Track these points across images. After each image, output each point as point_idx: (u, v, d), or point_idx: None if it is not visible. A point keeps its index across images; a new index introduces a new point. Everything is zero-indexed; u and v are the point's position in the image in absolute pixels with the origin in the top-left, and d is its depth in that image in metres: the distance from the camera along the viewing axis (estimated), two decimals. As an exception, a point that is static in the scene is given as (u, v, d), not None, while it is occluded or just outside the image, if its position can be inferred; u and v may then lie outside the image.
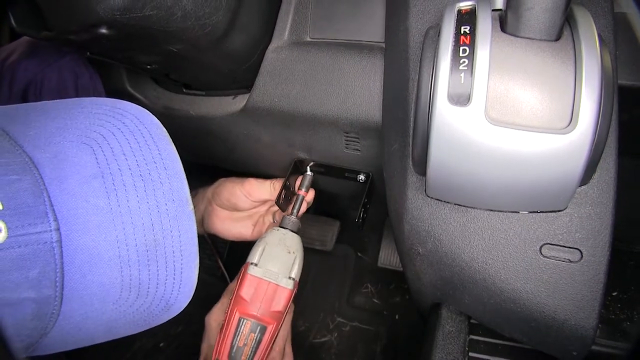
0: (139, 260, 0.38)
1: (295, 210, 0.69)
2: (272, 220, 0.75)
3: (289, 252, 0.65)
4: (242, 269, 0.65)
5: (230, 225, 0.74)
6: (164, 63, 0.64)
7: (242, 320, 0.61)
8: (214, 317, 0.65)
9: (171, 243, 0.39)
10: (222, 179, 0.74)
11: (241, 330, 0.61)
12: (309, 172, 0.72)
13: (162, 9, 0.48)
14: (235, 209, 0.73)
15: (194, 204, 0.74)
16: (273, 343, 0.62)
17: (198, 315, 0.62)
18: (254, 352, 0.61)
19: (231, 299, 0.63)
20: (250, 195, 0.71)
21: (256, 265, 0.63)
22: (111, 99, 0.43)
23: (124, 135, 0.39)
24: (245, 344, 0.61)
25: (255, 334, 0.61)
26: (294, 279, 0.64)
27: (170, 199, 0.39)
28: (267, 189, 0.71)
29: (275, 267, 0.64)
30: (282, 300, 0.62)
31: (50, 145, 0.37)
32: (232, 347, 0.61)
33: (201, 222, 0.75)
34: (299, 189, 0.71)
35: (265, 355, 0.61)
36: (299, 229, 0.69)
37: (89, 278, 0.36)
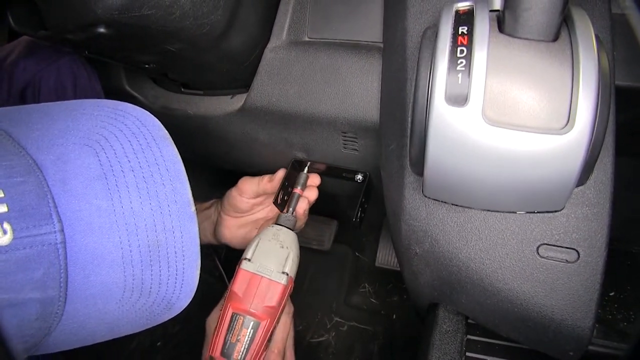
0: (142, 260, 0.38)
1: (291, 208, 0.69)
2: None
3: (282, 247, 0.64)
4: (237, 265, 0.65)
5: (237, 232, 0.74)
6: (162, 62, 0.64)
7: (235, 315, 0.60)
8: (214, 320, 0.65)
9: (173, 244, 0.39)
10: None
11: (234, 326, 0.60)
12: (304, 172, 0.73)
13: (160, 8, 0.48)
14: (236, 211, 0.73)
15: (209, 215, 0.74)
16: (268, 341, 0.62)
17: (196, 314, 0.61)
18: (247, 349, 0.60)
19: (225, 295, 0.63)
20: (242, 193, 0.71)
21: (249, 260, 0.63)
22: (113, 101, 0.43)
23: (127, 137, 0.40)
24: (238, 340, 0.60)
25: (249, 330, 0.60)
26: (287, 274, 0.63)
27: (172, 201, 0.39)
28: (254, 182, 0.70)
29: (269, 262, 0.63)
30: (275, 295, 0.61)
31: (53, 147, 0.37)
32: (225, 343, 0.60)
33: (213, 233, 0.75)
34: (294, 187, 0.71)
35: (260, 352, 0.61)
36: (295, 226, 0.69)
37: (93, 278, 0.36)
